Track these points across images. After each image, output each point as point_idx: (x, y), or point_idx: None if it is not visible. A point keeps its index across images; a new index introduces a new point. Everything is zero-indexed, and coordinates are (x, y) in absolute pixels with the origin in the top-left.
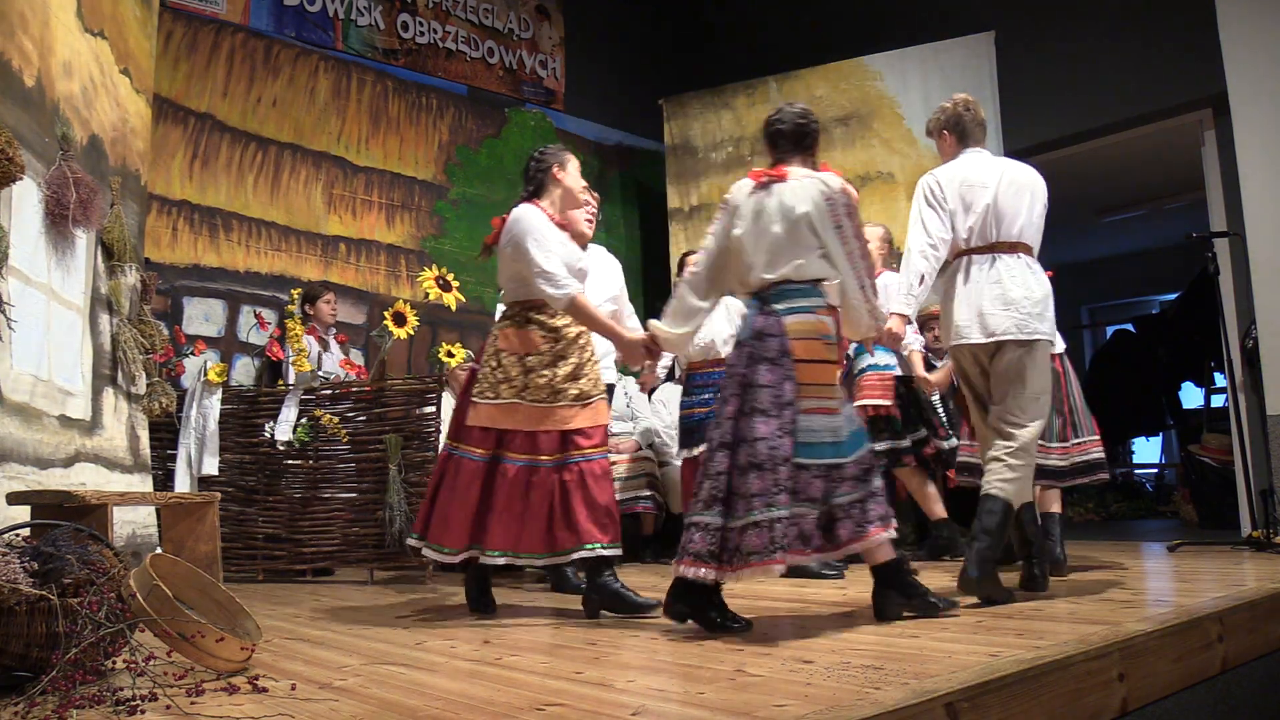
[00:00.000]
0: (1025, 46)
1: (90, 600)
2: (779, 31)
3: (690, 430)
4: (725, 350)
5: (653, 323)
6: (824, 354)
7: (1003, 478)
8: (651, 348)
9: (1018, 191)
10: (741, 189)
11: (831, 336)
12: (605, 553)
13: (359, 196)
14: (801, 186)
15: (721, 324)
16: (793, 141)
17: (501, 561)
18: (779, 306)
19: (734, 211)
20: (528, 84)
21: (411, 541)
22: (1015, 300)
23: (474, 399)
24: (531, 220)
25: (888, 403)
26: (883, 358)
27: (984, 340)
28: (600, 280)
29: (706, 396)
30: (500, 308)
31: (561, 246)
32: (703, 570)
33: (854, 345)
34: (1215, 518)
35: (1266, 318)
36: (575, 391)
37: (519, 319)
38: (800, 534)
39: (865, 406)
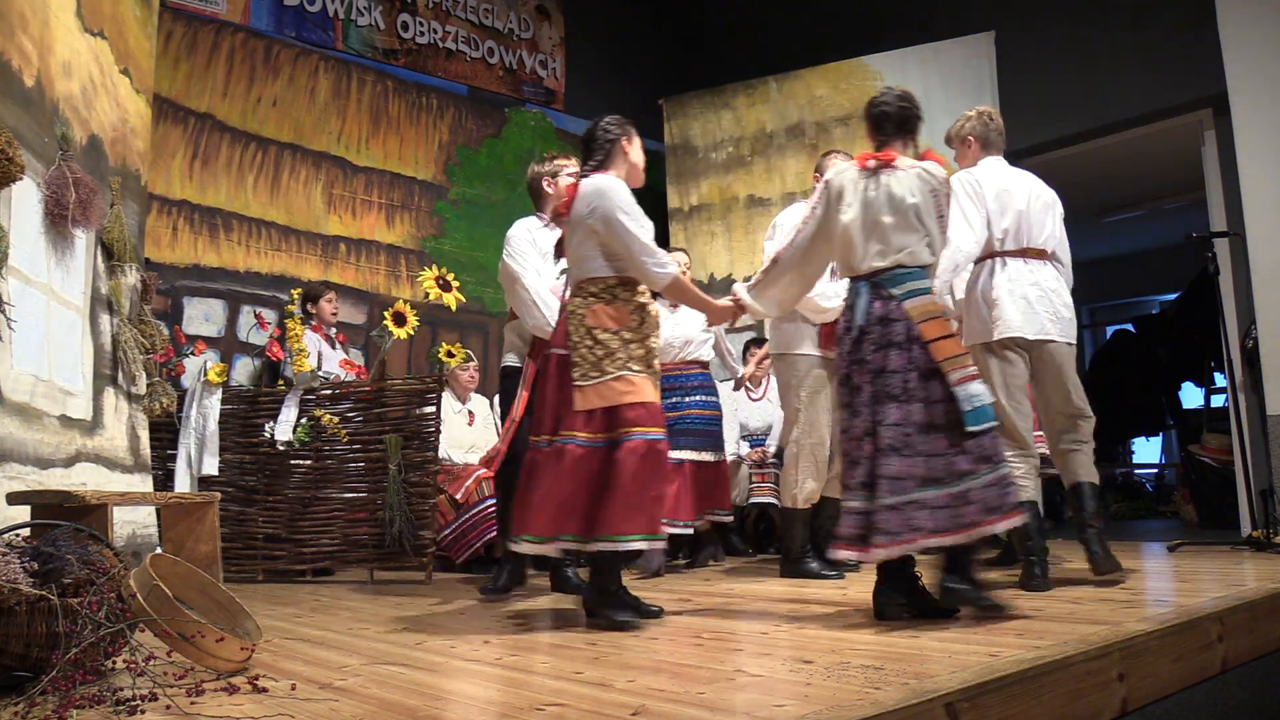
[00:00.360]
0: (1025, 46)
1: (90, 600)
2: (779, 31)
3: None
4: (700, 352)
5: (738, 287)
6: (949, 329)
7: (1089, 464)
8: (738, 311)
9: (1045, 207)
10: (845, 173)
11: (946, 313)
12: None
13: (359, 196)
14: (909, 177)
15: (693, 327)
16: (896, 124)
17: (641, 546)
18: (896, 291)
19: (839, 196)
20: (528, 84)
21: (514, 546)
22: (1056, 305)
23: (577, 384)
24: (621, 194)
25: None
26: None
27: (1033, 337)
28: None
29: (674, 400)
30: (527, 283)
31: (646, 220)
32: (848, 553)
33: None
34: (1215, 518)
35: (1266, 318)
36: (657, 367)
37: (605, 295)
38: (968, 509)
39: None
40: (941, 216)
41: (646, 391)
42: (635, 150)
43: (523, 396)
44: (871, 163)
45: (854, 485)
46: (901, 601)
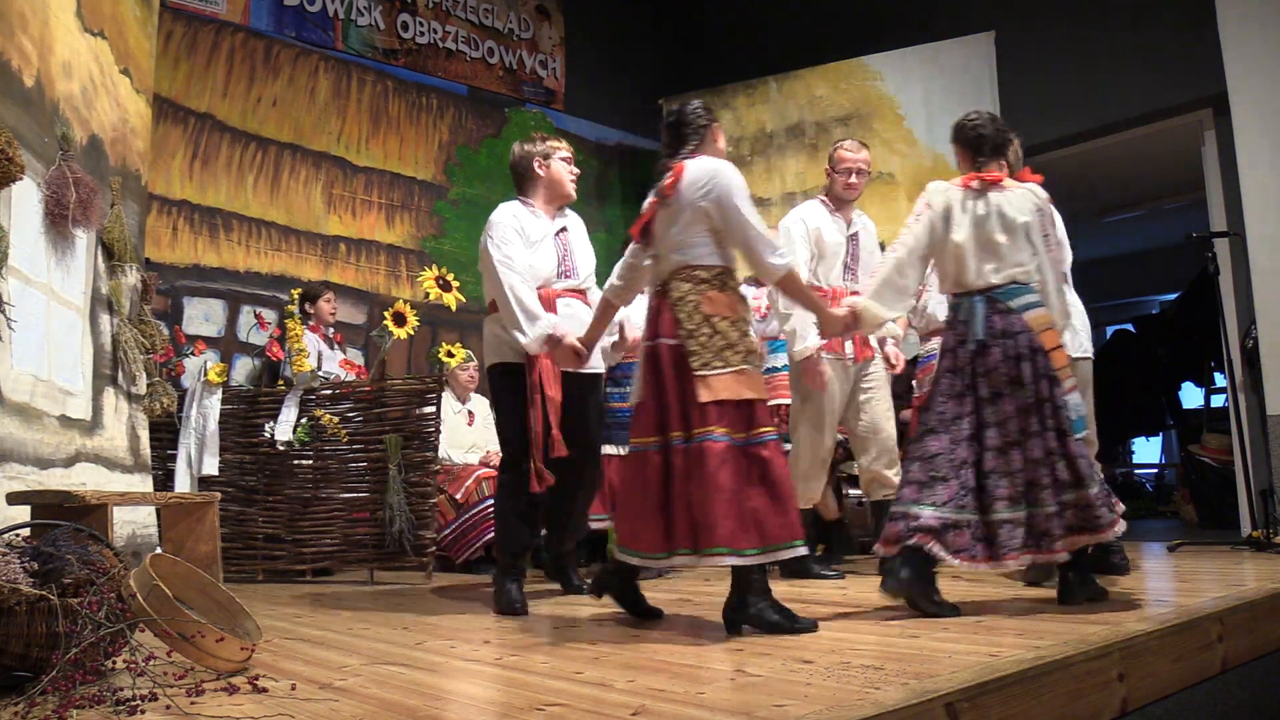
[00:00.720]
0: (1025, 46)
1: (90, 600)
2: (779, 31)
3: (620, 425)
4: None
5: (856, 300)
6: (1060, 341)
7: None
8: (852, 324)
9: (1065, 233)
10: (948, 192)
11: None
12: None
13: (359, 196)
14: (1017, 196)
15: None
16: (993, 146)
17: (804, 551)
18: (1014, 304)
19: (945, 214)
20: (528, 84)
21: (683, 560)
22: (1086, 324)
23: (699, 374)
24: (736, 177)
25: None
26: None
27: (1075, 355)
28: (587, 248)
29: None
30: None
31: None
32: (1012, 562)
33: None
34: (1215, 518)
35: (1266, 318)
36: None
37: (715, 283)
38: (1095, 514)
39: (783, 406)
40: (1046, 235)
41: (759, 387)
42: (721, 138)
43: (537, 401)
44: (976, 183)
45: (1013, 495)
46: (920, 592)
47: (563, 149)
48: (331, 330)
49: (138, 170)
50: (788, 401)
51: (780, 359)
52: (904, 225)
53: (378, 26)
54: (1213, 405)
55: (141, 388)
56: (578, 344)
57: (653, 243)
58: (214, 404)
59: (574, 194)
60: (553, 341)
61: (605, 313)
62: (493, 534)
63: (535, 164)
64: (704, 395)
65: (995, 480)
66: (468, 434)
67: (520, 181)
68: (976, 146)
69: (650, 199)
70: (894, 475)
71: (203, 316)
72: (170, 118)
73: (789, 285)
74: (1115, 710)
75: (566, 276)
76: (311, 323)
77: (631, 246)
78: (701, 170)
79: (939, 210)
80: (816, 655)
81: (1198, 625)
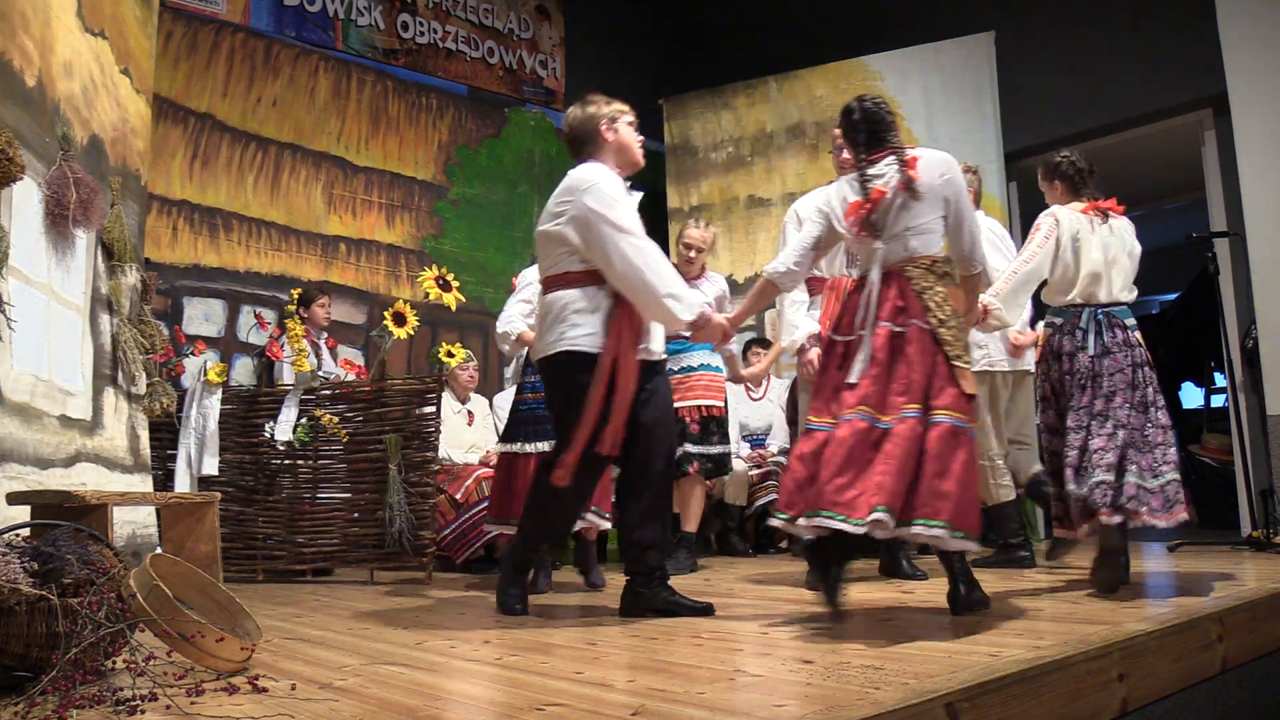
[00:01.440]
0: (1025, 46)
1: (90, 600)
2: (779, 31)
3: (526, 421)
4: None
5: (992, 301)
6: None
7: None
8: (983, 321)
9: None
10: (1075, 218)
11: None
12: None
13: (359, 196)
14: (1124, 225)
15: None
16: (1091, 178)
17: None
18: (1129, 321)
19: (1074, 237)
20: (528, 84)
21: (925, 530)
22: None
23: (957, 364)
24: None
25: (720, 404)
26: (715, 359)
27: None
28: None
29: None
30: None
31: None
32: (1119, 520)
33: (673, 344)
34: (1215, 518)
35: (1266, 318)
36: None
37: (954, 279)
38: (1180, 498)
39: (700, 407)
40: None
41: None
42: None
43: (600, 395)
44: (1094, 212)
45: (1109, 463)
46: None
47: (628, 112)
48: (325, 335)
49: (138, 170)
50: (704, 403)
51: (693, 358)
52: (1032, 243)
53: (378, 26)
54: (1213, 405)
55: (141, 388)
56: (726, 323)
57: (878, 232)
58: (214, 404)
59: (643, 161)
60: (703, 319)
61: (763, 296)
62: (492, 534)
63: (602, 128)
64: (966, 385)
65: (1133, 454)
66: (468, 434)
67: (581, 150)
68: (1080, 180)
69: (873, 187)
70: None
71: (203, 316)
72: (170, 118)
73: (980, 280)
74: (1115, 710)
75: None
76: (304, 326)
77: (813, 234)
78: (938, 159)
79: (1068, 234)
80: (816, 655)
81: (1198, 625)
